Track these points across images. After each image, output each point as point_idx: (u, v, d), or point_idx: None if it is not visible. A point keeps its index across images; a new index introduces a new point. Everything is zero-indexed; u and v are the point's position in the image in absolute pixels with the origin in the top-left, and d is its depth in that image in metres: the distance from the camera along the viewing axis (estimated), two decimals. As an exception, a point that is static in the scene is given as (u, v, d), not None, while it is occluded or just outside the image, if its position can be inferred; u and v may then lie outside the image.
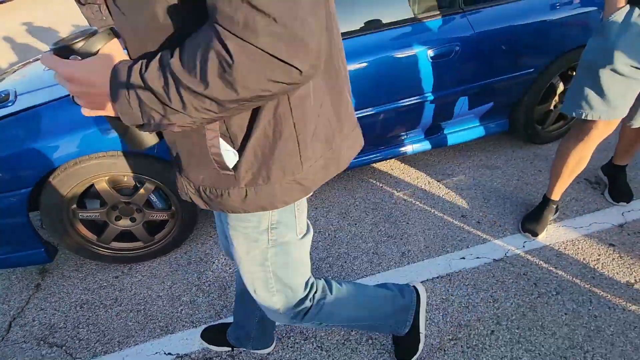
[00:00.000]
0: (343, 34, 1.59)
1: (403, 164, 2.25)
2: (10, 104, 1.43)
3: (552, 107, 2.13)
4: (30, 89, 1.54)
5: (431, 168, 2.19)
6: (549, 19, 1.75)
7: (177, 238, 1.75)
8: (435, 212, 1.86)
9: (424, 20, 1.64)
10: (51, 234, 1.55)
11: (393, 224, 1.82)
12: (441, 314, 1.39)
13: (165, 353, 1.37)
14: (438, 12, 1.66)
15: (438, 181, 2.08)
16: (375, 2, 1.62)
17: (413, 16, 1.63)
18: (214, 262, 1.71)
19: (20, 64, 2.01)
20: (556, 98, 2.11)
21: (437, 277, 1.53)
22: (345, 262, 1.65)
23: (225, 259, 1.73)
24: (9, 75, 1.86)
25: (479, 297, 1.44)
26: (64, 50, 0.50)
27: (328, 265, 1.64)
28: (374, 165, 2.27)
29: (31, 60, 2.01)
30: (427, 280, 1.52)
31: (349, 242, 1.75)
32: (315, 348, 1.33)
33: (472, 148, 2.34)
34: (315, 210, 1.96)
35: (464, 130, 2.04)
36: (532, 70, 1.87)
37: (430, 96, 1.75)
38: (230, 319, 1.44)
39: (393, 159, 2.30)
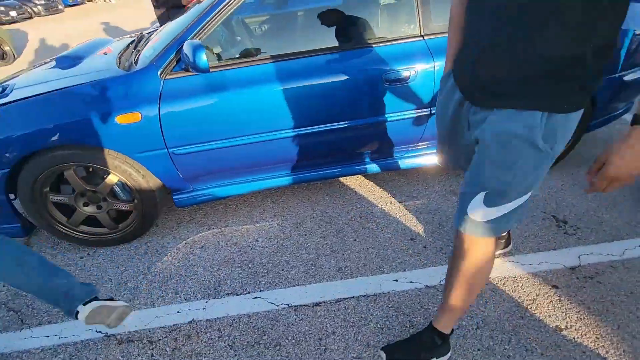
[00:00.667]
0: (308, 51, 1.68)
1: (370, 182, 2.28)
2: (3, 97, 1.67)
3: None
4: (27, 84, 1.78)
5: (398, 189, 2.19)
6: None
7: (138, 228, 1.90)
8: (386, 233, 1.86)
9: (386, 44, 1.69)
10: (26, 212, 1.76)
11: (341, 239, 1.85)
12: (354, 332, 1.40)
13: (96, 331, 1.50)
14: (396, 37, 1.71)
15: (400, 202, 2.07)
16: (346, 23, 1.71)
17: (373, 39, 1.69)
18: (166, 255, 1.84)
19: (38, 63, 2.30)
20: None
21: (364, 296, 1.54)
22: (283, 269, 1.70)
23: (178, 252, 1.85)
24: (24, 72, 2.15)
25: (397, 321, 1.43)
26: None
27: (265, 271, 1.70)
28: (343, 180, 2.31)
29: (47, 60, 2.30)
30: (352, 297, 1.54)
31: (292, 252, 1.80)
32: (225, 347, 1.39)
33: (447, 173, 2.31)
34: (273, 218, 2.04)
35: (426, 154, 2.03)
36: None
37: (388, 117, 1.79)
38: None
39: (362, 176, 2.33)
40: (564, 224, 1.83)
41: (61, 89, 1.60)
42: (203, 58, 1.43)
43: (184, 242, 1.93)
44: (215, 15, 1.58)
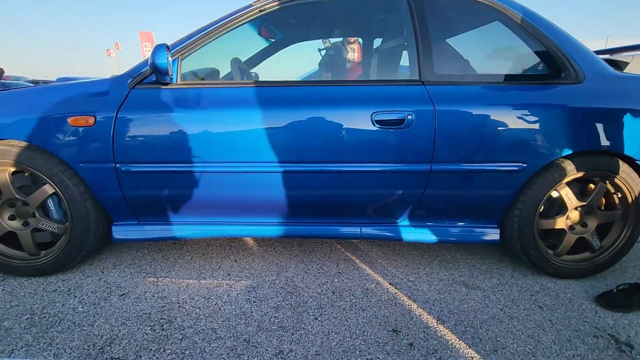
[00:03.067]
0: (291, 82, 1.53)
1: (359, 253, 1.83)
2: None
3: (565, 227, 1.60)
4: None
5: (391, 267, 1.71)
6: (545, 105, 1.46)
7: (64, 260, 1.56)
8: (361, 316, 1.34)
9: (380, 85, 1.51)
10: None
11: (297, 315, 1.35)
12: None
13: None
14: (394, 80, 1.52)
15: (391, 284, 1.58)
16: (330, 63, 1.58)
17: (367, 79, 1.53)
18: (75, 297, 1.43)
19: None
20: (570, 216, 1.60)
21: (299, 400, 0.99)
22: (203, 340, 1.21)
23: (89, 296, 1.43)
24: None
25: None
26: None
27: (180, 337, 1.22)
28: (325, 249, 1.89)
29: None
30: (283, 399, 0.99)
31: (228, 319, 1.32)
32: None
33: (456, 257, 1.82)
34: (225, 277, 1.61)
35: (432, 227, 1.62)
36: (517, 168, 1.49)
37: (375, 166, 1.48)
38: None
39: (351, 247, 1.90)
40: (628, 348, 1.22)
41: (27, 87, 1.54)
42: (163, 58, 1.31)
43: (106, 285, 1.52)
44: (203, 36, 1.53)
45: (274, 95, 1.48)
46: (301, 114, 1.44)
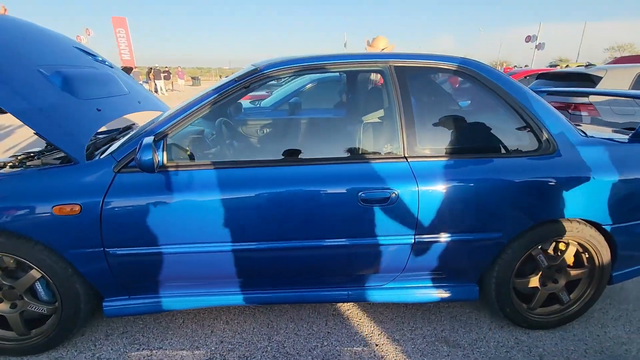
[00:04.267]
0: (272, 161, 1.56)
1: (347, 311, 1.91)
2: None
3: (538, 285, 1.72)
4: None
5: (378, 325, 1.80)
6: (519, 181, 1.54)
7: (54, 338, 1.57)
8: (351, 390, 1.43)
9: (365, 162, 1.55)
10: None
11: (290, 392, 1.42)
12: None
13: None
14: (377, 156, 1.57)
15: (378, 345, 1.67)
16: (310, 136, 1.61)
17: (351, 155, 1.56)
18: (72, 380, 1.46)
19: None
20: (543, 274, 1.71)
21: None
22: None
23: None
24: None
25: None
26: None
27: None
28: (311, 306, 1.96)
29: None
30: None
31: (224, 402, 1.38)
32: None
33: (440, 312, 1.92)
34: (218, 344, 1.66)
35: (416, 288, 1.71)
36: (494, 237, 1.58)
37: (362, 241, 1.54)
38: None
39: (334, 305, 1.97)
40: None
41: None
42: (149, 155, 1.31)
43: (100, 364, 1.55)
44: (188, 115, 1.52)
45: (259, 175, 1.50)
46: (290, 197, 1.48)
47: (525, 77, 7.56)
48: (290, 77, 1.87)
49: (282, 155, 1.59)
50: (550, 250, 1.71)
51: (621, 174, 1.60)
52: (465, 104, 1.87)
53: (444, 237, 1.57)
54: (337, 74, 3.78)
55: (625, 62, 7.59)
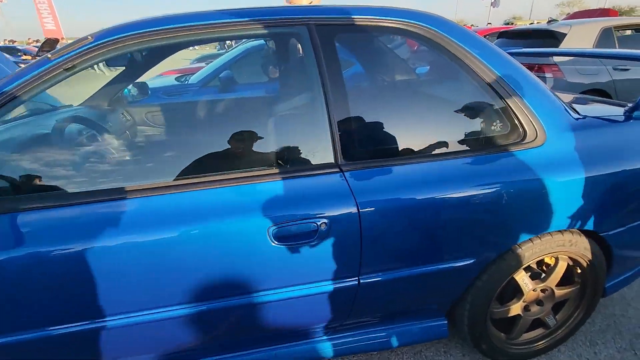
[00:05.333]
0: (150, 189, 0.99)
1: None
2: None
3: (521, 312, 1.35)
4: None
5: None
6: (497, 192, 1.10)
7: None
8: None
9: (274, 179, 1.03)
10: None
11: None
12: None
13: None
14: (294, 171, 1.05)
15: (319, 417, 1.24)
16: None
17: (251, 170, 1.03)
18: None
19: None
20: (526, 299, 1.34)
21: None
22: None
23: None
24: None
25: None
26: None
27: None
28: None
29: None
30: None
31: None
32: None
33: (401, 349, 1.52)
34: None
35: (361, 336, 1.27)
36: (465, 264, 1.16)
37: (284, 294, 1.06)
38: None
39: None
40: None
41: None
42: None
43: None
44: None
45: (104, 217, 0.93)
46: (147, 249, 0.93)
47: (485, 37, 7.19)
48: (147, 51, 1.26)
49: (151, 174, 1.03)
50: (535, 269, 1.33)
51: (623, 165, 1.21)
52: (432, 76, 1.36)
53: (401, 272, 1.12)
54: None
55: (580, 18, 7.41)
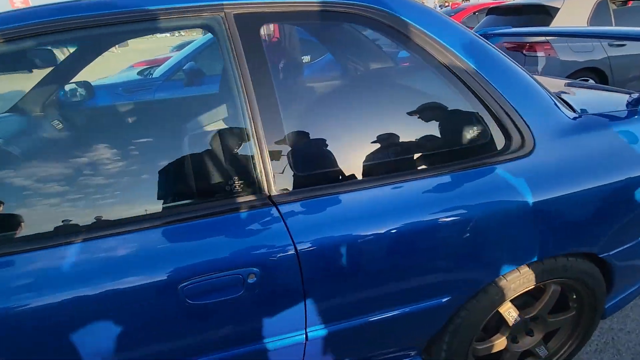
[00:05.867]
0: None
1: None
2: None
3: (506, 347, 1.16)
4: None
5: None
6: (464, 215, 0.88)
7: None
8: None
9: (188, 220, 0.80)
10: None
11: None
12: None
13: None
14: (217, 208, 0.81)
15: None
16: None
17: (161, 212, 0.80)
18: None
19: None
20: (513, 331, 1.15)
21: None
22: None
23: None
24: None
25: None
26: None
27: None
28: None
29: None
30: None
31: None
32: None
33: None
34: None
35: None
36: (439, 303, 0.95)
37: None
38: None
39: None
40: None
41: None
42: None
43: None
44: None
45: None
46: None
47: (474, 13, 6.85)
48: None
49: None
50: (523, 300, 1.13)
51: (628, 172, 1.00)
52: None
53: (357, 320, 0.91)
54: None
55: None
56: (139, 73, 3.48)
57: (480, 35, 2.05)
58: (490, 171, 0.91)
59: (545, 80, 1.65)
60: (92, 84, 2.09)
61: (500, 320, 1.12)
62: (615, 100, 1.23)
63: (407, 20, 0.87)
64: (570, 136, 0.97)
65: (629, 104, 1.15)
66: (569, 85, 1.61)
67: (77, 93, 2.06)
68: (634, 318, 1.55)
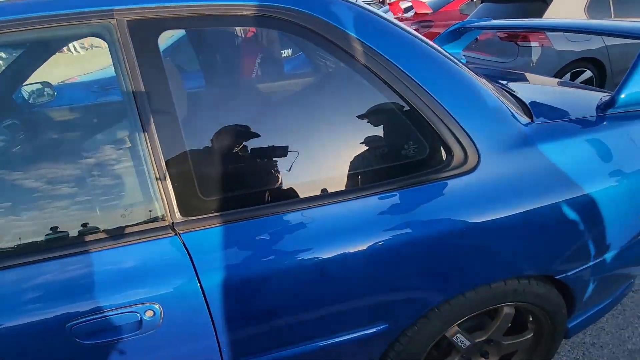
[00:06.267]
0: None
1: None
2: None
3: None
4: None
5: None
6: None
7: None
8: None
9: (79, 251, 0.72)
10: None
11: None
12: None
13: None
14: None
15: None
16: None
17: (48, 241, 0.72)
18: None
19: None
20: (465, 355, 1.07)
21: None
22: None
23: None
24: None
25: None
26: None
27: None
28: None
29: None
30: None
31: None
32: None
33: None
34: None
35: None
36: (375, 331, 0.88)
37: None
38: None
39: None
40: None
41: None
42: None
43: None
44: None
45: None
46: None
47: (472, 0, 6.61)
48: None
49: None
50: (473, 323, 1.05)
51: (589, 186, 0.90)
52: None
53: (279, 354, 0.85)
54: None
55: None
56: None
57: (455, 29, 1.93)
58: (428, 190, 0.83)
59: (535, 78, 1.54)
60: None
61: (448, 346, 1.05)
62: (591, 104, 1.13)
63: (332, 23, 0.78)
64: (522, 149, 0.88)
65: (597, 108, 1.05)
66: (547, 84, 1.51)
67: (36, 94, 1.98)
68: (609, 331, 1.47)
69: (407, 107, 0.81)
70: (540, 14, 3.64)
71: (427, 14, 5.80)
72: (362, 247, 0.79)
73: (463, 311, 0.93)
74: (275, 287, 0.77)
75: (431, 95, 0.81)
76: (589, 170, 0.92)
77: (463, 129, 0.83)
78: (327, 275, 0.79)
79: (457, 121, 0.82)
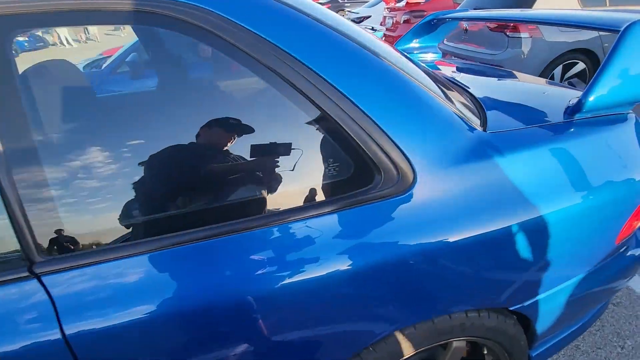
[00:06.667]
0: None
1: None
2: None
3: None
4: None
5: None
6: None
7: None
8: None
9: None
10: None
11: None
12: None
13: None
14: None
15: None
16: None
17: None
18: None
19: None
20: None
21: None
22: None
23: None
24: None
25: None
26: None
27: None
28: None
29: None
30: None
31: None
32: None
33: None
34: None
35: None
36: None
37: None
38: None
39: None
40: None
41: None
42: None
43: None
44: None
45: None
46: None
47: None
48: None
49: None
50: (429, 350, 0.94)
51: (534, 209, 0.78)
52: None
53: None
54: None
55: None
56: (87, 66, 3.24)
57: (429, 20, 1.76)
58: (353, 214, 0.70)
59: (524, 76, 1.40)
60: None
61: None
62: (561, 108, 0.99)
63: (234, 20, 0.64)
64: (471, 163, 0.75)
65: (565, 112, 0.92)
66: (521, 83, 1.37)
67: None
68: (584, 350, 1.36)
69: (320, 115, 0.68)
70: (530, 4, 3.47)
71: (419, 3, 5.60)
72: (269, 283, 0.66)
73: (402, 350, 0.81)
74: (150, 339, 0.65)
75: (356, 105, 0.68)
76: (549, 185, 0.79)
77: (393, 142, 0.70)
78: (210, 322, 0.67)
79: (386, 133, 0.69)
